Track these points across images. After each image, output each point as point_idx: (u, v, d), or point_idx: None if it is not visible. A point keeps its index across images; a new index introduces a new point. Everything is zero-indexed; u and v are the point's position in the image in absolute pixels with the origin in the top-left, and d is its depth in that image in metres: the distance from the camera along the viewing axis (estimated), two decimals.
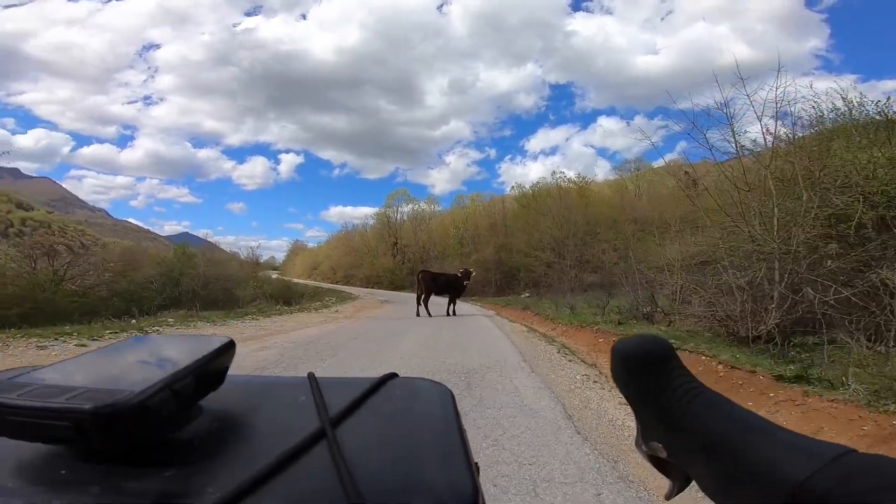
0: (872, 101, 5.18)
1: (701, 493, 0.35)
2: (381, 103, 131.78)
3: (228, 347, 0.36)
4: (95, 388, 0.29)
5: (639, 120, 68.16)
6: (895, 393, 2.58)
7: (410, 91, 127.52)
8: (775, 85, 5.19)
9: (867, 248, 4.28)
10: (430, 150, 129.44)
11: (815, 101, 5.37)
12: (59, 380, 0.31)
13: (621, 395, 0.44)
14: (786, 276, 4.59)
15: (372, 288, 27.58)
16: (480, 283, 18.53)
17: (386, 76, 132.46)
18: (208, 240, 24.02)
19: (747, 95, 5.32)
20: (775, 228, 4.82)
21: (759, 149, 5.71)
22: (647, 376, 0.38)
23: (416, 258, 28.90)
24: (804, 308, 4.39)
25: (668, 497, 0.39)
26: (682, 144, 13.89)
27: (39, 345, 5.25)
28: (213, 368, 0.34)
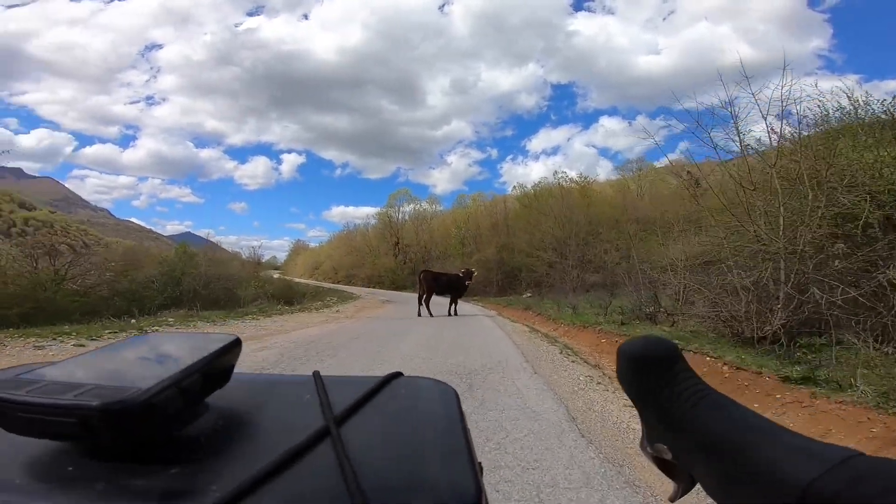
0: (878, 101, 5.14)
1: (705, 496, 0.35)
2: (382, 103, 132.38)
3: (235, 345, 0.36)
4: (103, 385, 0.29)
5: (641, 120, 67.85)
6: None
7: (412, 91, 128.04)
8: (780, 83, 5.15)
9: (874, 247, 4.23)
10: (431, 150, 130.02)
11: (820, 101, 5.32)
12: (67, 377, 0.31)
13: (625, 397, 0.43)
14: (792, 276, 4.54)
15: (373, 288, 27.65)
16: (482, 283, 18.54)
17: (388, 76, 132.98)
18: (210, 239, 24.21)
19: (752, 94, 5.26)
20: (781, 228, 4.76)
21: (763, 148, 5.68)
22: (654, 378, 0.38)
23: (417, 258, 28.92)
24: (810, 308, 4.34)
25: (673, 499, 0.39)
26: (684, 144, 13.82)
27: (37, 345, 5.24)
28: (219, 366, 0.35)
